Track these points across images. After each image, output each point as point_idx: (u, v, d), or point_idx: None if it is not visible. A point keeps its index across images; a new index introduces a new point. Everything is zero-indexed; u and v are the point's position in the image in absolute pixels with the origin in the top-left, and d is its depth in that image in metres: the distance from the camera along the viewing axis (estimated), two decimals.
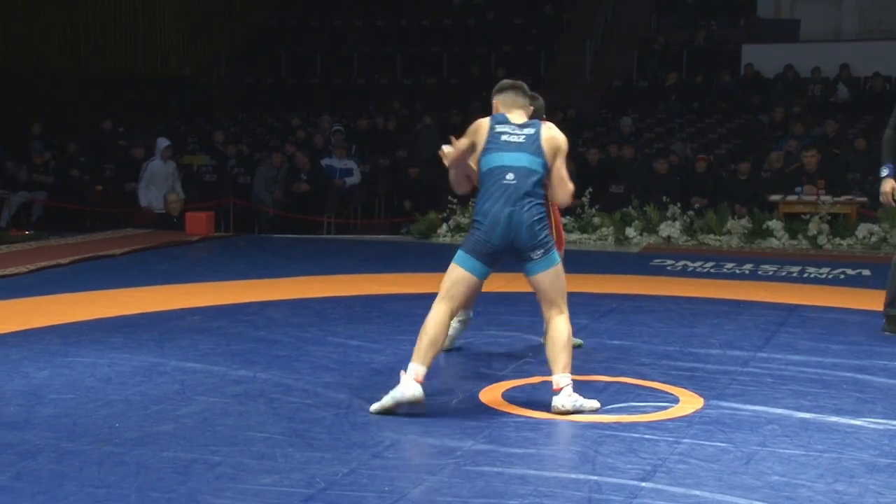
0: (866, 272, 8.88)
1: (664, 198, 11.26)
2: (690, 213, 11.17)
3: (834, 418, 4.47)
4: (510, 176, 4.64)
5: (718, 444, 4.12)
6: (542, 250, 4.63)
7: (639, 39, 18.19)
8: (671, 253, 10.16)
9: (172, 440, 4.11)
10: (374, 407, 4.53)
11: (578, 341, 5.86)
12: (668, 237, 10.87)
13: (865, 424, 4.38)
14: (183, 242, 10.71)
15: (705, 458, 3.94)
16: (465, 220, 11.48)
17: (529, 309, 6.09)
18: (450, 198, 11.65)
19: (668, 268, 9.16)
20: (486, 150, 4.72)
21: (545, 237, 4.65)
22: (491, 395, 4.87)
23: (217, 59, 19.13)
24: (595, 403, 4.60)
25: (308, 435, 4.20)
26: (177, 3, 18.60)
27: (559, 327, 4.64)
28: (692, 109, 15.97)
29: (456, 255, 4.71)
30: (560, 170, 4.76)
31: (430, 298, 7.30)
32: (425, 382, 4.47)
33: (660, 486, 3.61)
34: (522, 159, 4.67)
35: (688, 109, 15.97)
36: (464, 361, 5.57)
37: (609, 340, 6.02)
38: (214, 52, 19.08)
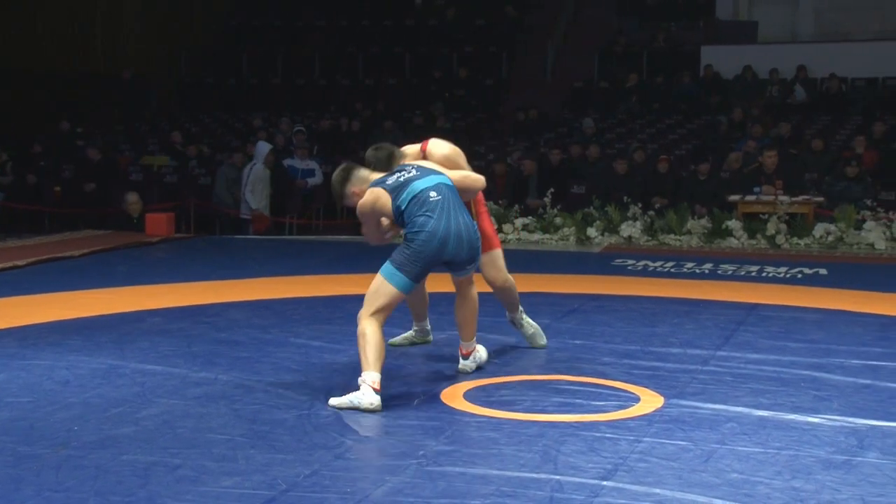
0: (823, 271, 8.99)
1: (625, 198, 11.34)
2: (651, 213, 11.26)
3: (792, 416, 4.52)
4: (433, 194, 4.86)
5: (678, 442, 4.15)
6: (474, 264, 5.05)
7: (600, 41, 18.30)
8: (632, 253, 10.23)
9: (132, 443, 4.08)
10: (333, 402, 4.61)
11: (543, 341, 5.87)
12: (629, 237, 10.95)
13: (822, 422, 4.44)
14: (143, 244, 10.62)
15: (665, 456, 3.97)
16: None
17: (491, 310, 6.10)
18: None
19: (629, 268, 9.22)
20: (395, 197, 4.87)
21: (478, 252, 5.06)
22: (452, 395, 4.87)
23: (177, 58, 18.99)
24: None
25: (270, 437, 4.18)
26: (137, 2, 18.43)
27: (472, 294, 5.18)
28: (652, 110, 16.09)
29: (385, 269, 4.82)
30: (459, 169, 5.19)
31: None
32: (386, 384, 4.47)
33: (621, 485, 3.64)
34: (432, 179, 4.91)
35: (648, 110, 16.10)
36: (425, 362, 5.58)
37: (571, 340, 6.04)
38: (175, 51, 18.93)
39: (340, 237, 12.02)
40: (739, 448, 4.07)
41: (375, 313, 4.73)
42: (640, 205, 11.34)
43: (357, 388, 4.58)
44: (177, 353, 5.67)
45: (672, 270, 9.03)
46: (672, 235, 10.93)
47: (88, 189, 12.89)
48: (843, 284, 8.24)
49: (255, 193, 12.16)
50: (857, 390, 4.97)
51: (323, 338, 6.06)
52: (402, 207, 4.85)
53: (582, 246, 10.92)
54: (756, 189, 11.29)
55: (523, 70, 18.09)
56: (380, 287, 4.79)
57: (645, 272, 8.96)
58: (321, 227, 13.13)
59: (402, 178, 4.91)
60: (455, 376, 5.23)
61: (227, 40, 19.68)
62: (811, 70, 16.13)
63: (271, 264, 9.26)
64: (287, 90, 18.05)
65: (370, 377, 4.57)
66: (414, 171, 4.95)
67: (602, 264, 9.49)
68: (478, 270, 5.28)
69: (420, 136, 5.72)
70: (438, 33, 18.85)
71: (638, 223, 11.03)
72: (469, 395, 4.86)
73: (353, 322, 6.54)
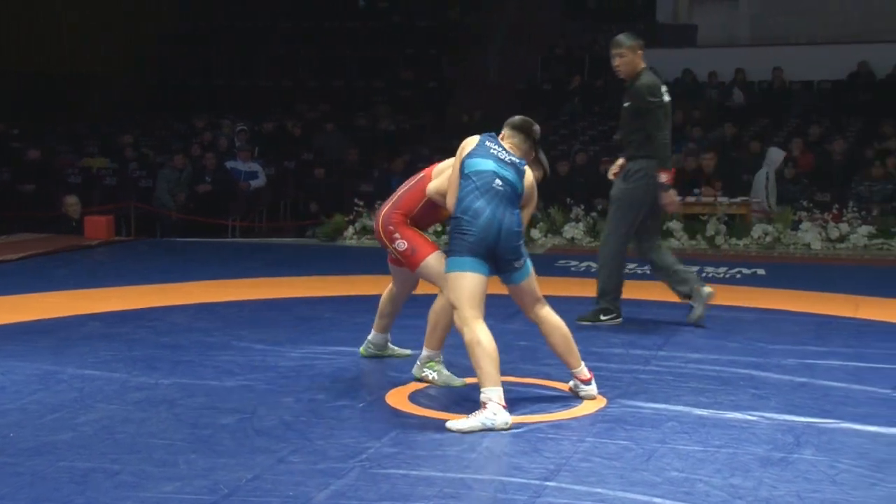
0: (761, 271, 9.14)
1: (568, 200, 11.42)
2: (594, 214, 11.35)
3: (731, 414, 4.59)
4: (499, 182, 4.62)
5: (620, 441, 4.19)
6: (523, 259, 4.75)
7: (542, 43, 18.40)
8: (575, 254, 10.30)
9: (70, 449, 4.02)
10: (460, 426, 4.27)
11: (406, 352, 5.67)
12: (572, 238, 11.02)
13: (760, 420, 4.51)
14: (82, 247, 10.46)
15: (608, 455, 4.01)
16: (370, 223, 11.45)
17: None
18: (356, 200, 11.63)
19: (573, 269, 9.29)
20: (471, 155, 4.68)
21: (523, 247, 4.77)
22: (397, 396, 4.87)
23: (119, 59, 18.71)
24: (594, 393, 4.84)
25: (211, 441, 4.14)
26: (77, 3, 18.12)
27: (556, 320, 4.82)
28: (595, 112, 16.22)
29: (452, 263, 4.57)
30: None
31: (336, 301, 7.31)
32: (330, 386, 4.45)
33: (563, 485, 3.66)
34: (510, 175, 4.67)
35: (590, 112, 16.22)
36: (370, 363, 5.56)
37: (515, 341, 6.06)
38: (116, 52, 18.65)
39: (284, 239, 11.96)
40: (680, 447, 4.13)
41: (473, 311, 4.48)
42: (582, 206, 11.42)
43: (482, 406, 4.33)
44: (117, 357, 5.59)
45: None
46: None
47: (26, 190, 12.65)
48: (781, 284, 8.39)
49: (771, 195, 11.88)
50: (793, 388, 5.06)
51: (266, 341, 6.02)
52: (467, 171, 4.63)
53: (526, 247, 10.95)
54: (696, 191, 11.44)
55: (467, 72, 18.14)
56: (458, 282, 4.51)
57: (588, 273, 9.03)
58: (264, 230, 13.05)
59: (491, 149, 4.71)
60: (400, 378, 5.22)
61: (170, 41, 19.45)
62: (749, 73, 16.39)
63: (214, 267, 9.17)
64: (230, 91, 17.89)
65: (496, 394, 4.34)
66: (507, 159, 4.70)
67: (546, 265, 9.52)
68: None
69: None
70: (382, 35, 18.82)
71: (581, 225, 11.11)
72: (414, 397, 4.87)
73: (296, 325, 6.55)
